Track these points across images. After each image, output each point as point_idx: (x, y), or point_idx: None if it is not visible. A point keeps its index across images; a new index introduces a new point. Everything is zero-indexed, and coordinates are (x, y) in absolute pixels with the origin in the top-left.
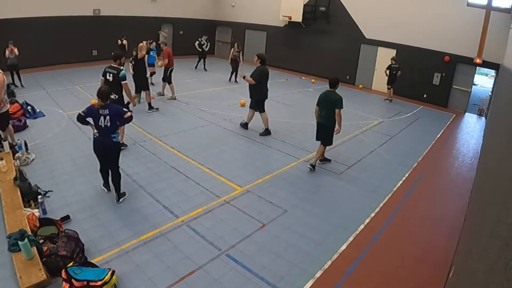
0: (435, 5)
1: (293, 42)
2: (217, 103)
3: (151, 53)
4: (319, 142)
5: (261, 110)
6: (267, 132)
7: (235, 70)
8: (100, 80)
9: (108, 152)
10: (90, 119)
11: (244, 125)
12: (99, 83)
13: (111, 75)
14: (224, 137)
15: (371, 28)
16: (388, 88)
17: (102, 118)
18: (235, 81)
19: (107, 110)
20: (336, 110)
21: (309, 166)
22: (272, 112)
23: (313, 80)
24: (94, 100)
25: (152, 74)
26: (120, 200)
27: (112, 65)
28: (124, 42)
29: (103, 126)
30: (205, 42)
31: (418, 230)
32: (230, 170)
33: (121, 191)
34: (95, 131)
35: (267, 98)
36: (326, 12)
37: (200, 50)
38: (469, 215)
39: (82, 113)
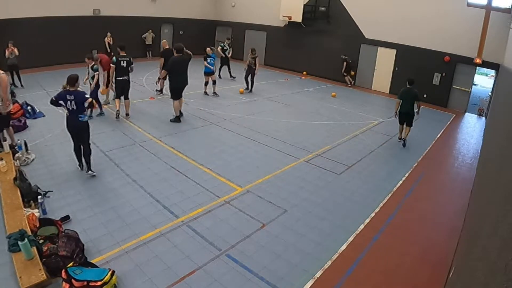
0: (435, 5)
1: (293, 42)
2: (217, 103)
3: (209, 60)
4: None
5: (174, 97)
6: (176, 119)
7: (249, 77)
8: (111, 67)
9: (76, 129)
10: (62, 102)
11: (176, 119)
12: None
13: (125, 62)
14: (224, 137)
15: (371, 28)
16: (346, 76)
17: (69, 102)
18: (250, 89)
19: (73, 96)
20: (417, 103)
21: (399, 141)
22: (272, 112)
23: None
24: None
25: (214, 82)
26: (89, 172)
27: (121, 54)
28: (110, 39)
29: (70, 109)
30: (228, 47)
31: (418, 230)
32: (230, 170)
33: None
34: (66, 111)
35: (181, 86)
36: (326, 12)
37: (223, 56)
38: (469, 215)
39: (54, 98)
